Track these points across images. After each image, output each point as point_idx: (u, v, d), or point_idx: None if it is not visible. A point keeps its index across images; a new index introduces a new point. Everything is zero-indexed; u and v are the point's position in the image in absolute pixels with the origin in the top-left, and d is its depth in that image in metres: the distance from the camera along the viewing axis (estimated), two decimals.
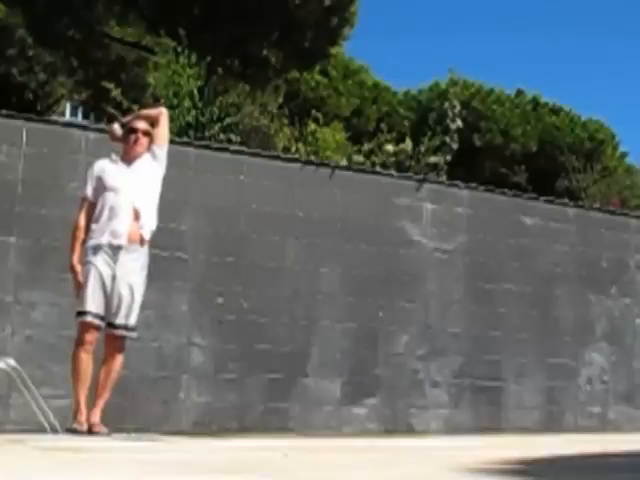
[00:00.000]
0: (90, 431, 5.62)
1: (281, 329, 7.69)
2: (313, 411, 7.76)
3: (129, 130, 5.99)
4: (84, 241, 5.82)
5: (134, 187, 5.88)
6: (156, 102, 8.92)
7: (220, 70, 10.99)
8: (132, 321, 5.82)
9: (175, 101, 8.87)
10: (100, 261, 5.76)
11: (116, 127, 6.10)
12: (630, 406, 9.41)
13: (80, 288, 5.78)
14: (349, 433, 7.73)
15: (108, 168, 5.94)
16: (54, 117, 13.65)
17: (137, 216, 5.85)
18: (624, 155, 20.56)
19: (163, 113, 6.16)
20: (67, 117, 17.97)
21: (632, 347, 9.54)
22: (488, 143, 18.79)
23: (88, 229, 5.83)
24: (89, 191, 5.91)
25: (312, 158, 8.97)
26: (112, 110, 9.07)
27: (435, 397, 8.30)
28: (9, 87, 14.40)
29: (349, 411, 7.90)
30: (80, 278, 5.77)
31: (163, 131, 6.09)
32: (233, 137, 9.13)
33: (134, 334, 5.90)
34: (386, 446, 6.54)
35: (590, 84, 49.25)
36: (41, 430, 5.99)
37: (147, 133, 6.00)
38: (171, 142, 7.65)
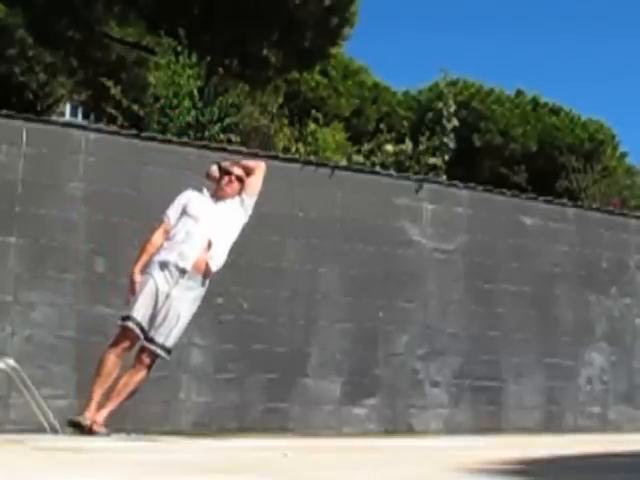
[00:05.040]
0: (91, 429, 5.65)
1: (281, 329, 7.69)
2: (313, 411, 7.76)
3: (224, 172, 6.23)
4: (151, 255, 5.97)
5: (214, 221, 6.07)
6: (156, 102, 8.93)
7: (220, 70, 10.98)
8: (170, 343, 5.92)
9: (175, 101, 8.87)
10: (161, 277, 5.90)
11: (214, 168, 6.34)
12: (630, 406, 9.41)
13: (133, 295, 5.89)
14: (349, 433, 7.74)
15: (196, 198, 6.18)
16: (54, 117, 13.64)
17: (209, 247, 6.01)
18: (624, 155, 20.54)
19: (261, 167, 6.36)
20: (67, 117, 17.94)
21: (632, 347, 9.54)
22: (488, 143, 18.77)
23: (160, 247, 6.00)
24: (172, 214, 6.13)
25: (312, 158, 8.97)
26: (112, 110, 9.08)
27: (435, 397, 8.30)
28: (9, 87, 14.38)
29: (349, 411, 7.90)
30: (137, 288, 5.89)
31: (256, 182, 6.28)
32: (233, 137, 9.13)
33: (167, 357, 5.98)
34: (386, 446, 6.55)
35: (590, 84, 49.25)
36: (41, 430, 6.00)
37: (240, 179, 6.23)
38: (171, 142, 7.71)
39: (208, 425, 7.23)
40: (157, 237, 6.06)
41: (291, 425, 7.57)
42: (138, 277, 5.92)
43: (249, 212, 6.25)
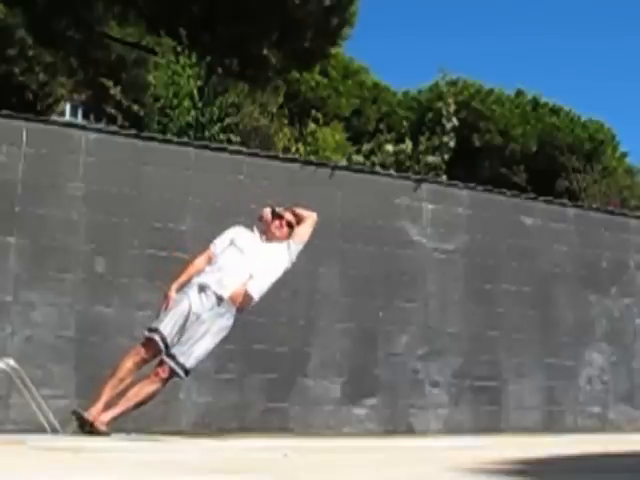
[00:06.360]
0: (92, 426, 5.64)
1: (281, 329, 7.69)
2: (313, 411, 7.76)
3: (276, 216, 6.38)
4: (191, 276, 6.06)
5: (258, 257, 6.15)
6: (156, 102, 8.93)
7: (220, 70, 10.97)
8: (190, 364, 5.94)
9: (175, 101, 8.87)
10: (197, 298, 5.96)
11: (267, 211, 6.46)
12: (630, 406, 9.41)
13: (165, 310, 5.94)
14: (349, 433, 7.73)
15: (244, 234, 6.31)
16: (54, 117, 13.63)
17: (249, 279, 6.08)
18: (624, 155, 20.51)
19: (312, 217, 6.51)
20: (67, 117, 17.92)
21: (632, 347, 9.54)
22: (488, 143, 18.75)
23: (201, 270, 6.08)
24: (218, 243, 6.24)
25: (312, 158, 8.97)
26: (112, 110, 9.08)
27: (435, 397, 8.30)
28: (9, 87, 14.37)
29: (349, 411, 7.90)
30: (171, 304, 5.94)
31: (305, 231, 6.43)
32: (233, 137, 9.13)
33: (185, 377, 6.01)
34: (386, 446, 6.54)
35: (590, 84, 49.18)
36: (41, 430, 6.00)
37: (290, 225, 6.38)
38: (170, 142, 7.71)
39: (208, 425, 7.23)
40: (200, 261, 6.16)
41: (291, 425, 7.57)
42: (173, 294, 5.99)
43: (294, 258, 6.36)
